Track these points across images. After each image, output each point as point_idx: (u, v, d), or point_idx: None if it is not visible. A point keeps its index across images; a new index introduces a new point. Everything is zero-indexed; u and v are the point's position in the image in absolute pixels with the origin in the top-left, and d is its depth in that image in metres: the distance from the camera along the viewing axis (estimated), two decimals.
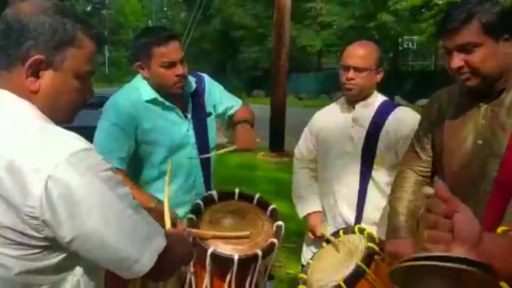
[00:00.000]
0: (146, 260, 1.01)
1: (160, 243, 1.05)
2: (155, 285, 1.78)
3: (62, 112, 1.07)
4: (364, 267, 1.69)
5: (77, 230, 0.94)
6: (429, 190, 0.84)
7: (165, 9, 44.66)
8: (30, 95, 1.01)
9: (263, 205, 1.93)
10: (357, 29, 23.01)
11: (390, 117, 2.16)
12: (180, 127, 2.10)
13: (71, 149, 0.94)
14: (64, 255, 0.99)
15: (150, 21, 35.02)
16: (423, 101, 17.22)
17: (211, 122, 2.22)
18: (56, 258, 0.99)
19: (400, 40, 25.33)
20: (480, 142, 1.56)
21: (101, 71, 39.10)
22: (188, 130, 2.11)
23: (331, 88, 25.62)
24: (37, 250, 0.96)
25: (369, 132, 2.16)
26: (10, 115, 0.99)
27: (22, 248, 0.95)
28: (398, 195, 1.85)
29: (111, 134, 1.96)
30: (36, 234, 0.94)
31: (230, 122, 2.34)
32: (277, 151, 9.32)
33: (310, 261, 1.96)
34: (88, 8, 46.57)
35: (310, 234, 2.32)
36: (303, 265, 2.29)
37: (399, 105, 2.25)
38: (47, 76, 1.02)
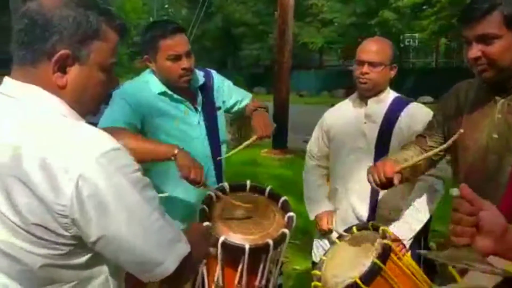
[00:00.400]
0: (168, 264, 1.01)
1: (183, 248, 1.05)
2: None
3: (89, 105, 1.08)
4: (381, 264, 1.68)
5: (103, 231, 0.94)
6: (455, 191, 0.90)
7: (166, 6, 44.55)
8: (57, 90, 1.01)
9: (274, 197, 1.95)
10: (358, 26, 23.00)
11: (403, 113, 2.17)
12: (191, 119, 2.11)
13: (102, 149, 0.94)
14: (90, 255, 1.00)
15: (151, 18, 34.89)
16: (424, 99, 17.19)
17: (221, 117, 2.24)
18: (83, 257, 0.99)
19: (401, 37, 25.31)
20: (495, 136, 1.57)
21: None
22: (199, 122, 2.12)
23: (332, 85, 25.61)
24: (64, 249, 0.96)
25: (382, 128, 2.18)
26: (40, 111, 0.98)
27: (49, 246, 0.95)
28: (397, 152, 1.90)
29: (118, 106, 1.97)
30: (64, 233, 0.94)
31: (240, 115, 2.36)
32: (280, 148, 9.33)
33: (323, 257, 1.96)
34: None
35: (319, 228, 2.34)
36: (314, 262, 2.31)
37: (412, 101, 2.26)
38: (74, 71, 1.02)
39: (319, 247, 2.38)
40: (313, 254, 2.44)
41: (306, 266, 3.61)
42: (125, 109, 1.96)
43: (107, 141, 0.97)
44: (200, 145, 2.11)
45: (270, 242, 1.72)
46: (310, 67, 31.07)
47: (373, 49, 2.16)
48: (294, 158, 8.32)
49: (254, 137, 2.11)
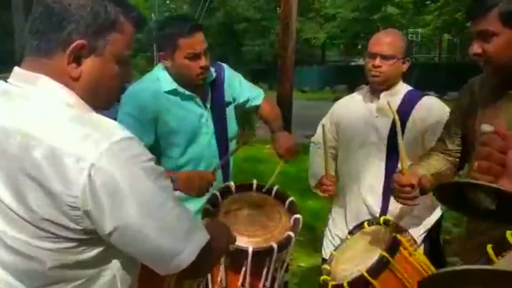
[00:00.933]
0: (186, 255, 0.96)
1: (202, 237, 1.00)
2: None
3: (102, 99, 1.03)
4: (388, 257, 1.65)
5: (118, 221, 0.90)
6: (487, 127, 0.85)
7: (167, 2, 44.51)
8: (71, 82, 0.97)
9: (281, 197, 1.90)
10: (361, 22, 22.92)
11: (416, 106, 2.11)
12: (199, 116, 2.06)
13: (113, 138, 0.90)
14: (100, 248, 0.96)
15: (153, 14, 34.89)
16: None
17: (230, 112, 2.19)
18: (92, 252, 0.95)
19: (404, 32, 25.21)
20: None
21: None
22: (207, 120, 2.08)
23: (334, 81, 25.59)
24: (74, 243, 0.92)
25: (394, 123, 2.10)
26: (48, 101, 0.94)
27: (59, 241, 0.91)
28: (423, 162, 1.87)
29: (127, 125, 1.92)
30: (74, 226, 0.90)
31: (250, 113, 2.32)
32: None
33: (334, 252, 1.94)
34: None
35: (322, 190, 2.25)
36: (324, 259, 2.25)
37: (426, 94, 2.20)
38: (89, 62, 0.98)
39: (329, 243, 2.33)
40: (322, 250, 2.38)
41: (311, 263, 3.59)
42: (136, 126, 1.90)
43: (119, 130, 0.93)
44: (207, 143, 2.07)
45: (274, 245, 1.67)
46: (312, 63, 31.03)
47: (385, 41, 2.09)
48: (298, 154, 8.29)
49: (282, 161, 2.10)
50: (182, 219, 0.97)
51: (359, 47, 30.01)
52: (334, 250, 1.98)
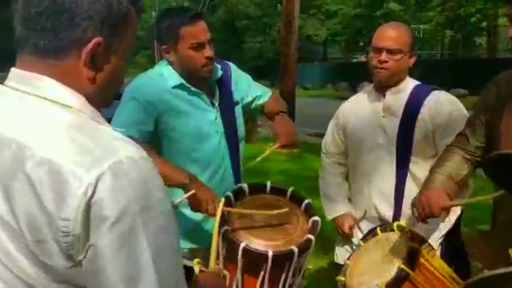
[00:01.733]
0: None
1: None
2: None
3: (109, 97, 0.93)
4: (408, 270, 1.58)
5: (94, 241, 0.76)
6: None
7: None
8: (83, 84, 0.86)
9: (296, 199, 1.83)
10: (363, 18, 22.81)
11: (425, 102, 2.01)
12: (207, 114, 1.98)
13: (116, 157, 0.78)
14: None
15: (153, 12, 34.77)
16: None
17: (239, 111, 2.10)
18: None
19: None
20: None
21: None
22: (216, 118, 1.99)
23: (336, 78, 25.49)
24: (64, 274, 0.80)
25: (403, 121, 2.02)
26: (49, 106, 0.83)
27: (46, 269, 0.79)
28: (441, 164, 1.76)
29: (130, 109, 1.85)
30: (60, 259, 0.78)
31: (256, 112, 2.24)
32: None
33: (347, 262, 1.86)
34: None
35: (340, 232, 2.22)
36: (336, 264, 2.20)
37: (436, 89, 2.10)
38: (103, 61, 0.87)
39: (341, 249, 2.27)
40: (335, 255, 2.31)
41: (319, 265, 3.52)
42: (138, 111, 1.84)
43: (124, 146, 0.81)
44: (217, 143, 1.98)
45: (295, 249, 1.61)
46: (314, 59, 30.92)
47: (391, 35, 1.99)
48: (302, 152, 8.23)
49: (276, 145, 1.99)
50: (176, 271, 0.84)
51: (361, 44, 29.92)
52: (348, 259, 1.89)
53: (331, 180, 2.29)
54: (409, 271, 1.58)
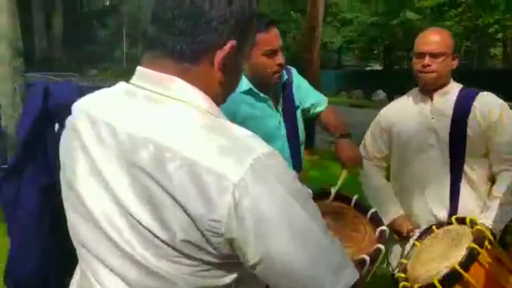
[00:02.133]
0: None
1: (351, 275, 0.85)
2: None
3: (228, 96, 0.93)
4: (478, 248, 1.64)
5: (265, 252, 0.77)
6: None
7: None
8: (213, 87, 0.86)
9: (361, 208, 1.79)
10: (379, 26, 22.72)
11: (475, 103, 2.05)
12: (273, 118, 2.00)
13: (254, 153, 0.77)
14: (236, 274, 0.84)
15: None
16: None
17: (299, 116, 2.12)
18: (227, 278, 0.83)
19: None
20: None
21: (121, 66, 39.54)
22: (279, 122, 2.02)
23: (350, 85, 25.42)
24: (210, 267, 0.81)
25: (454, 121, 2.05)
26: (182, 107, 0.82)
27: (195, 264, 0.80)
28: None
29: None
30: (213, 252, 0.79)
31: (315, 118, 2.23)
32: (308, 149, 9.19)
33: (404, 261, 1.89)
34: (107, 3, 46.89)
35: (399, 234, 2.19)
36: (392, 274, 2.17)
37: (481, 91, 2.13)
38: (233, 63, 0.86)
39: (395, 249, 2.25)
40: (389, 265, 2.28)
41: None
42: None
43: (258, 143, 0.80)
44: (281, 148, 1.99)
45: (367, 258, 1.56)
46: (328, 67, 30.90)
47: (433, 39, 2.06)
48: (321, 159, 8.24)
49: (345, 172, 1.94)
50: (333, 252, 0.84)
51: (375, 52, 29.83)
52: (405, 258, 1.92)
53: (378, 185, 2.29)
54: (480, 249, 1.65)
